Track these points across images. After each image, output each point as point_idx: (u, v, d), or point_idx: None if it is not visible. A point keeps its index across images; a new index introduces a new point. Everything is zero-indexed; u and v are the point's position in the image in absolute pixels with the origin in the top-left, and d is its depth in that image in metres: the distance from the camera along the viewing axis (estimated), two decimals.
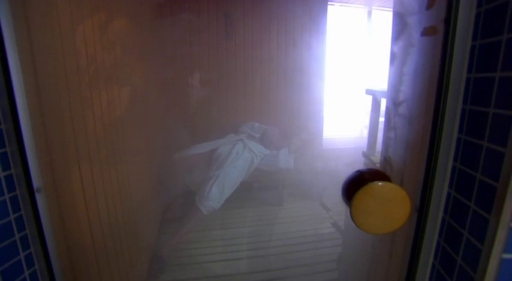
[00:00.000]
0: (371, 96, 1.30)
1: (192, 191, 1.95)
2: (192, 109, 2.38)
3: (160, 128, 2.09)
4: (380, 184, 0.51)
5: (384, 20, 2.83)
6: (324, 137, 2.51)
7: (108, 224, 1.09)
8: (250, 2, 2.28)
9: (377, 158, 1.15)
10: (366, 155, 1.18)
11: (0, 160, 0.64)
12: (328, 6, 2.44)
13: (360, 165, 1.47)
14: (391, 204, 0.51)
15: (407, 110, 0.53)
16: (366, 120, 2.34)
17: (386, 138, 0.64)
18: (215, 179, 1.91)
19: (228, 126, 2.30)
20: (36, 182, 0.68)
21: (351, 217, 0.51)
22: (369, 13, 2.85)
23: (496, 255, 0.41)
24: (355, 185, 0.55)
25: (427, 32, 0.48)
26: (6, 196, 0.65)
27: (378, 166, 1.07)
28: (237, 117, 2.39)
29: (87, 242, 0.95)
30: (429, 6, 0.47)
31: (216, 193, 1.88)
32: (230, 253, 1.75)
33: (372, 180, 0.53)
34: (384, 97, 1.15)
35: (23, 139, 0.65)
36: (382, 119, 1.30)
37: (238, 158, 2.00)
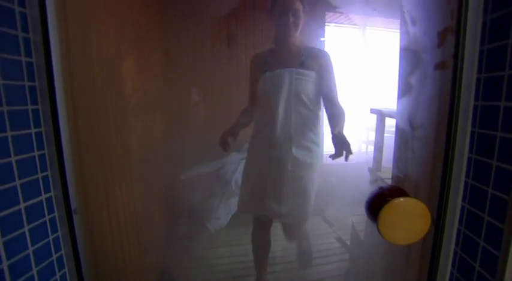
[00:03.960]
0: (369, 113, 1.38)
1: (198, 210, 1.97)
2: (194, 128, 2.44)
3: (165, 148, 2.13)
4: (402, 199, 0.57)
5: (378, 39, 2.98)
6: (324, 152, 2.58)
7: (127, 242, 1.12)
8: (252, 24, 2.40)
9: (383, 173, 1.21)
10: (371, 170, 1.25)
11: (43, 182, 0.68)
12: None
13: (364, 180, 1.53)
14: (413, 217, 0.57)
15: (423, 133, 0.60)
16: (364, 136, 2.42)
17: (401, 157, 0.70)
18: (221, 197, 1.95)
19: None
20: (73, 203, 0.72)
21: (378, 230, 0.57)
22: (364, 32, 3.01)
23: None
24: (378, 200, 0.61)
25: (438, 66, 0.56)
26: (47, 218, 0.69)
27: (386, 181, 1.14)
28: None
29: (110, 259, 0.97)
30: (440, 44, 0.55)
31: (223, 211, 1.92)
32: (237, 270, 1.76)
33: (393, 196, 0.59)
34: (389, 116, 1.24)
35: (64, 162, 0.70)
36: (386, 135, 1.39)
37: None
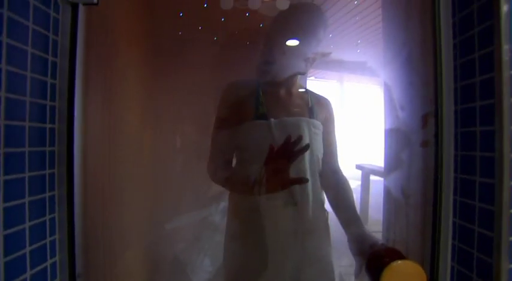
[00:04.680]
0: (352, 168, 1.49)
1: (183, 262, 1.90)
2: (178, 176, 2.43)
3: (150, 196, 2.10)
4: (400, 262, 0.63)
5: (355, 92, 3.27)
6: None
7: None
8: (243, 73, 2.56)
9: (370, 226, 1.28)
10: None
11: (50, 247, 0.68)
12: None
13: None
14: (411, 278, 0.62)
15: (415, 201, 0.69)
16: None
17: (391, 220, 0.78)
18: (207, 248, 1.90)
19: (218, 193, 2.36)
20: (79, 267, 0.71)
21: None
22: (341, 85, 3.30)
23: None
24: (377, 261, 0.67)
25: (423, 144, 0.66)
26: None
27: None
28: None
29: None
30: (423, 126, 0.66)
31: (208, 264, 1.86)
32: None
33: (391, 257, 0.66)
34: (374, 174, 1.35)
35: (74, 226, 0.70)
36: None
37: None
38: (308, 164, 0.86)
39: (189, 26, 2.52)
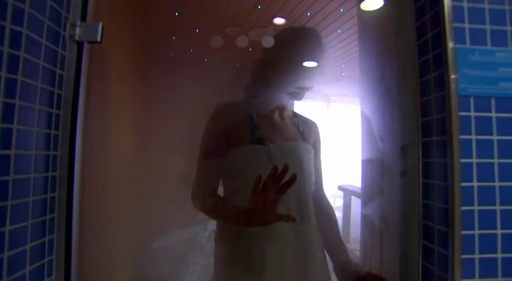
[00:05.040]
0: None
1: None
2: (169, 194, 2.45)
3: (141, 219, 2.12)
4: None
5: (339, 111, 3.45)
6: None
7: None
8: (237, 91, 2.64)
9: (352, 244, 1.35)
10: None
11: (47, 267, 0.71)
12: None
13: None
14: None
15: (393, 229, 0.76)
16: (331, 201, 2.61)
17: (368, 244, 0.86)
18: (194, 268, 1.92)
19: (206, 218, 2.38)
20: None
21: None
22: (327, 106, 3.46)
23: None
24: None
25: (402, 174, 0.75)
26: None
27: (354, 253, 1.27)
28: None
29: None
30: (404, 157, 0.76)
31: None
32: None
33: None
34: (355, 195, 1.43)
35: (71, 246, 0.74)
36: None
37: None
38: (307, 191, 0.84)
39: (181, 48, 2.63)
